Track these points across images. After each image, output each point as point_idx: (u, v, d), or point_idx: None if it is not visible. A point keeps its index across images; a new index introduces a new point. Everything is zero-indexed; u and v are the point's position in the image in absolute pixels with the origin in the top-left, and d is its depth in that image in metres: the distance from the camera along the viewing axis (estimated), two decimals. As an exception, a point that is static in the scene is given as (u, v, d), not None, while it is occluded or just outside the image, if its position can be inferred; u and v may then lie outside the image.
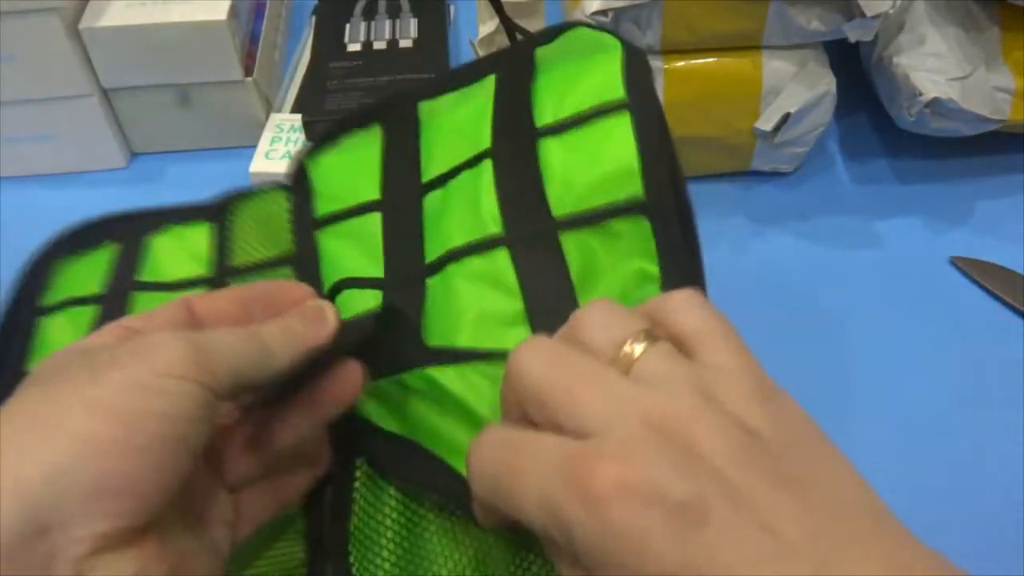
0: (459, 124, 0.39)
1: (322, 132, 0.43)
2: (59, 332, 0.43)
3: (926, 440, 0.42)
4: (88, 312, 0.44)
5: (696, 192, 0.54)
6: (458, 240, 0.35)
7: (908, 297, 0.49)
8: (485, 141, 0.37)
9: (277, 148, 0.56)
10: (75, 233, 0.47)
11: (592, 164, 0.35)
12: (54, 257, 0.47)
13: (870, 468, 0.41)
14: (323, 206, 0.41)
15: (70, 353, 0.28)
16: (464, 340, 0.33)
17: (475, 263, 0.34)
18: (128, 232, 0.47)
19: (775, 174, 0.55)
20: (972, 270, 0.49)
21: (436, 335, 0.34)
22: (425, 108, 0.41)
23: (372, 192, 0.40)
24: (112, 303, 0.44)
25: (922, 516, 0.40)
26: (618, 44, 0.37)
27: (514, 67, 0.39)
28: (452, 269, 0.35)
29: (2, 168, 0.57)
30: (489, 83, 0.39)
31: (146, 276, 0.45)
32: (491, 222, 0.35)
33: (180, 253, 0.45)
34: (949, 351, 0.46)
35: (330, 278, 0.39)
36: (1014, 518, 0.39)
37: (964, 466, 0.41)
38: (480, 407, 0.31)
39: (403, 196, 0.39)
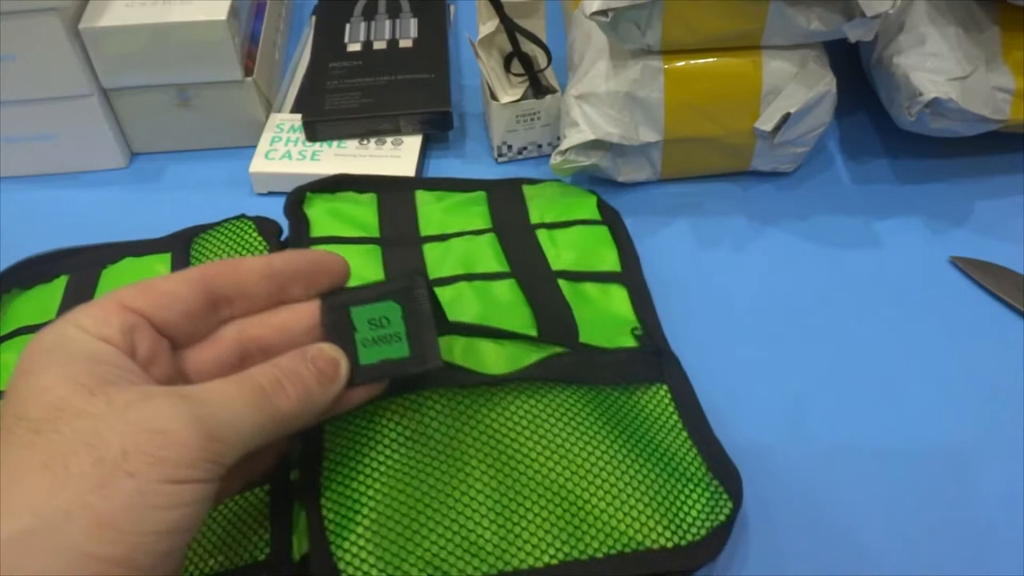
0: (453, 209, 0.51)
1: (321, 182, 0.51)
2: (10, 362, 0.44)
3: (925, 439, 0.42)
4: None
5: (696, 192, 0.55)
6: (459, 271, 0.46)
7: (908, 297, 0.49)
8: (484, 223, 0.50)
9: (277, 148, 0.56)
10: (24, 266, 0.48)
11: (580, 248, 0.48)
12: (3, 291, 0.48)
13: (869, 467, 0.41)
14: (317, 231, 0.48)
15: (75, 396, 0.27)
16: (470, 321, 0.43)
17: (488, 285, 0.46)
18: (81, 264, 0.48)
19: (775, 174, 0.55)
20: (972, 270, 0.49)
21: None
22: (420, 194, 0.52)
23: (371, 231, 0.49)
24: None
25: (921, 515, 0.40)
26: (593, 195, 0.52)
27: (505, 185, 0.53)
28: (463, 285, 0.45)
29: (2, 168, 0.57)
30: (480, 195, 0.52)
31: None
32: (497, 264, 0.47)
33: (135, 280, 0.46)
34: (949, 350, 0.46)
35: None
36: (1014, 517, 0.39)
37: (963, 465, 0.41)
38: (480, 365, 0.40)
39: (403, 239, 0.48)
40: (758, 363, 0.45)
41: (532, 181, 0.53)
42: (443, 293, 0.45)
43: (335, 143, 0.56)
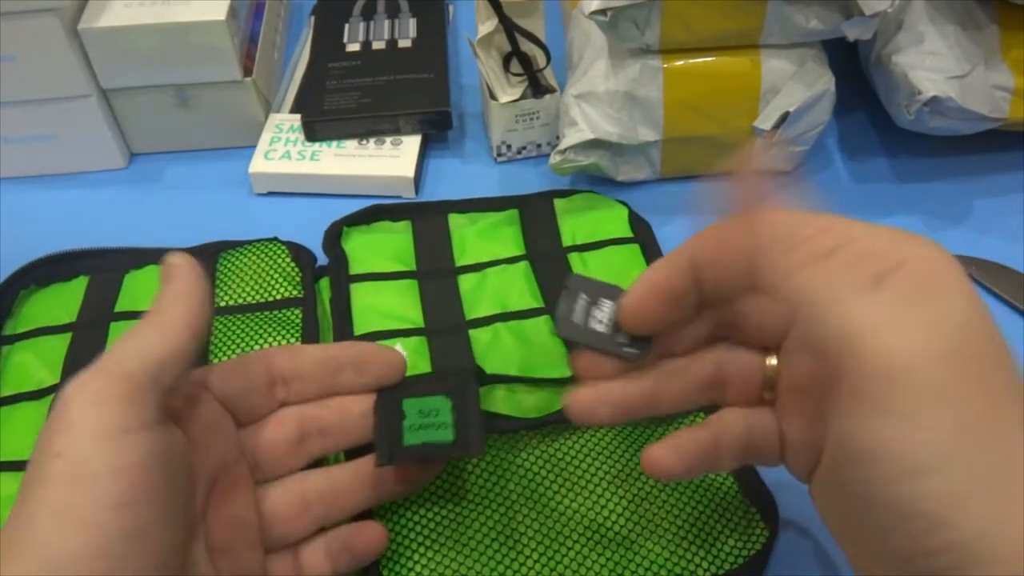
0: (486, 232, 0.50)
1: (356, 215, 0.51)
2: (27, 361, 0.45)
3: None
4: (59, 341, 0.45)
5: (695, 191, 0.55)
6: (494, 309, 0.46)
7: (907, 295, 0.49)
8: (518, 248, 0.49)
9: (276, 148, 0.56)
10: (43, 264, 0.49)
11: (611, 273, 0.47)
12: (20, 286, 0.48)
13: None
14: (356, 268, 0.48)
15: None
16: (513, 371, 0.43)
17: (522, 324, 0.45)
18: (103, 266, 0.49)
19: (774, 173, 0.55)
20: (971, 268, 0.49)
21: (488, 367, 0.42)
22: (453, 217, 0.51)
23: (408, 264, 0.49)
24: (87, 332, 0.46)
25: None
26: (624, 207, 0.51)
27: (537, 202, 0.52)
28: (499, 326, 0.45)
29: (2, 168, 0.57)
30: (513, 214, 0.51)
31: (123, 307, 0.47)
32: (532, 298, 0.46)
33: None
34: (948, 349, 0.46)
35: (362, 319, 0.46)
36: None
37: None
38: (519, 410, 0.41)
39: (439, 272, 0.48)
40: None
41: (563, 193, 0.52)
42: (480, 336, 0.45)
43: (334, 143, 0.56)
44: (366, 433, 0.35)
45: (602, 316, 0.33)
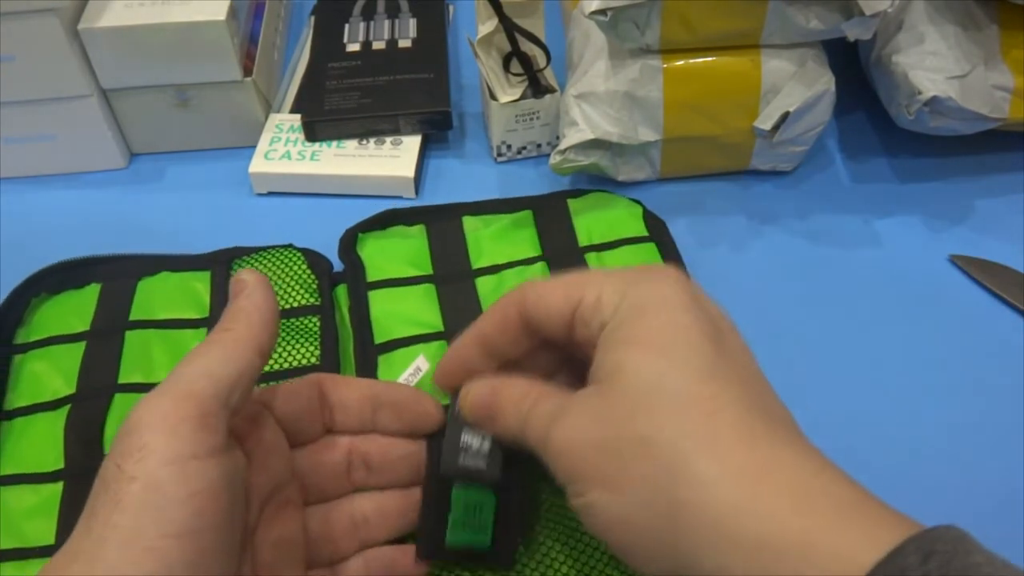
0: (501, 235, 0.50)
1: (370, 221, 0.51)
2: (42, 371, 0.44)
3: (926, 438, 0.42)
4: (73, 350, 0.45)
5: (695, 191, 0.55)
6: None
7: (907, 295, 0.49)
8: (534, 250, 0.49)
9: (276, 148, 0.56)
10: (54, 271, 0.48)
11: None
12: (32, 294, 0.47)
13: (869, 466, 0.41)
14: (372, 275, 0.48)
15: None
16: None
17: None
18: (115, 273, 0.48)
19: (774, 173, 0.55)
20: (971, 268, 0.49)
21: None
22: (468, 220, 0.51)
23: (425, 269, 0.49)
24: (101, 341, 0.45)
25: (921, 514, 0.40)
26: (638, 205, 0.51)
27: (551, 202, 0.52)
28: None
29: (2, 169, 0.57)
30: (527, 215, 0.51)
31: (137, 315, 0.46)
32: None
33: (175, 295, 0.47)
34: (948, 349, 0.46)
35: (382, 326, 0.46)
36: (1014, 516, 0.39)
37: (964, 464, 0.41)
38: None
39: (456, 275, 0.48)
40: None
41: (576, 193, 0.52)
42: None
43: (334, 143, 0.56)
44: (404, 475, 0.36)
45: (478, 446, 0.35)
